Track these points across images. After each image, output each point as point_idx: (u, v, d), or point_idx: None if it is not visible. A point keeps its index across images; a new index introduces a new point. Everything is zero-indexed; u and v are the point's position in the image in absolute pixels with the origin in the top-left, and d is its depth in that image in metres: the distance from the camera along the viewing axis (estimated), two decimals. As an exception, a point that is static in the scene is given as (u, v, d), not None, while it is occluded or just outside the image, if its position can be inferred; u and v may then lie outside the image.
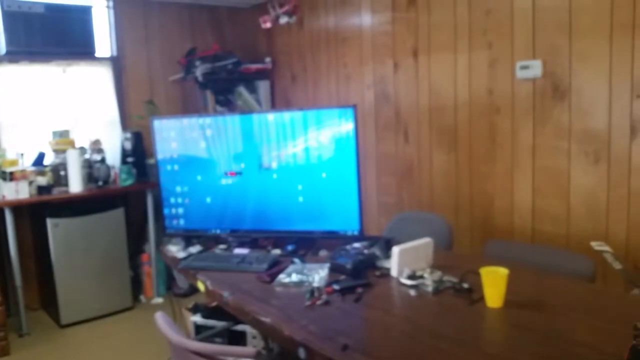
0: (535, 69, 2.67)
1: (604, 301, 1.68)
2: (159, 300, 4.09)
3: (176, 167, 2.52)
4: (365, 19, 3.72)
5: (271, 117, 2.36)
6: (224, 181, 2.46)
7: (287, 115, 2.35)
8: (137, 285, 4.14)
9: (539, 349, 1.35)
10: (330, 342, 1.43)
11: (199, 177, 2.49)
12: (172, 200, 2.55)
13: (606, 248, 1.29)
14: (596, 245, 1.33)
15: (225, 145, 2.44)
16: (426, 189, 3.44)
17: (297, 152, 2.34)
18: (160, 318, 1.51)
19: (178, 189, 2.53)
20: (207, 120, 2.44)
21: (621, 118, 2.43)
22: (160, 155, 2.54)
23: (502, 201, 2.98)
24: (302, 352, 1.45)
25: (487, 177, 3.05)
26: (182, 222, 2.55)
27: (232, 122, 2.42)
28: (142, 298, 4.14)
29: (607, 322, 1.49)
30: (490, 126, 2.99)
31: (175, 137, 2.50)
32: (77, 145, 3.91)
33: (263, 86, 4.68)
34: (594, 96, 2.51)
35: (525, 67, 2.71)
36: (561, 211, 2.71)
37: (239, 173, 2.42)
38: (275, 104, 4.73)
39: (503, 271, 1.64)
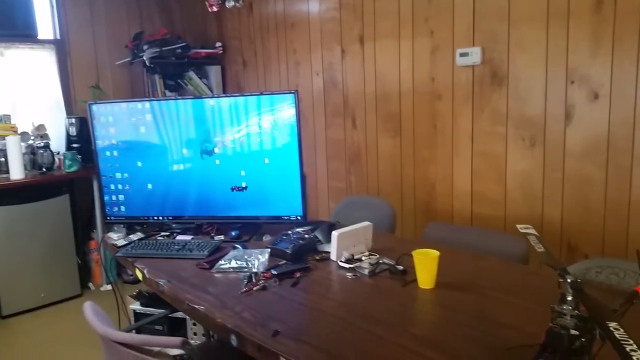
0: (474, 55, 2.73)
1: (534, 282, 1.74)
2: (108, 287, 4.02)
3: (115, 153, 2.46)
4: (313, 5, 3.71)
5: (212, 102, 2.33)
6: (175, 167, 2.41)
7: (228, 101, 2.32)
8: (86, 273, 4.06)
9: (465, 330, 1.39)
10: (262, 328, 1.44)
11: (139, 163, 2.43)
12: (112, 187, 2.49)
13: (531, 231, 1.34)
14: (522, 228, 1.37)
15: (165, 131, 2.39)
16: (373, 174, 3.48)
17: (240, 137, 2.32)
18: (88, 308, 1.48)
19: (118, 175, 2.47)
20: (147, 105, 2.39)
21: (556, 104, 2.51)
22: (98, 141, 2.48)
23: (443, 185, 3.05)
24: (233, 339, 1.45)
25: (429, 162, 3.11)
26: (123, 209, 2.50)
27: (172, 107, 2.37)
28: (91, 285, 4.07)
29: (535, 304, 1.54)
30: (432, 112, 3.04)
31: (113, 122, 2.44)
32: (20, 130, 3.78)
33: (214, 71, 4.61)
34: (531, 82, 2.58)
35: (464, 54, 2.76)
36: (498, 195, 2.79)
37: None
38: (226, 90, 4.68)
39: (434, 253, 1.68)
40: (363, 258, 1.94)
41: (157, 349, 1.38)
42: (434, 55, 2.97)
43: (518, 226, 1.41)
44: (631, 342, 0.78)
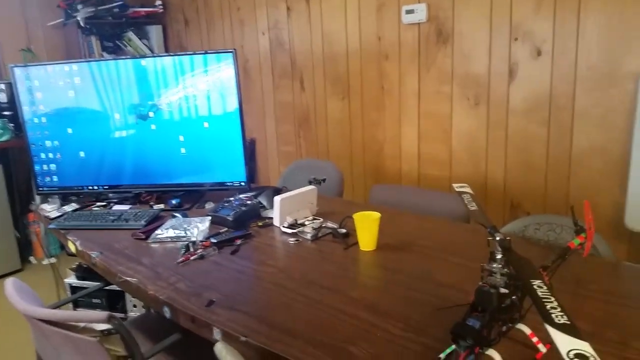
0: (420, 13, 2.67)
1: (474, 240, 1.74)
2: (52, 260, 3.87)
3: (44, 119, 2.30)
4: (256, -41, 3.54)
5: (144, 62, 2.20)
6: (108, 133, 2.28)
7: (160, 61, 2.19)
8: (27, 246, 3.89)
9: (403, 291, 1.38)
10: (196, 298, 1.39)
11: (69, 130, 2.29)
12: (43, 156, 2.35)
13: (466, 189, 1.32)
14: (457, 186, 1.35)
15: (95, 95, 2.25)
16: (322, 137, 3.43)
17: (176, 101, 2.21)
18: (9, 285, 1.39)
19: (48, 143, 2.33)
20: (74, 67, 2.23)
21: (500, 61, 2.50)
22: (25, 107, 2.31)
23: (391, 147, 3.03)
24: (167, 311, 1.40)
25: (377, 123, 3.08)
26: (55, 179, 2.36)
27: (102, 68, 2.23)
28: (33, 259, 3.91)
29: (474, 261, 1.54)
30: (380, 73, 2.98)
31: (40, 86, 2.28)
32: (-58, 98, 3.52)
33: (155, 31, 4.38)
34: (475, 40, 2.55)
35: (410, 12, 2.70)
36: (444, 155, 2.79)
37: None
38: (168, 50, 4.47)
39: (374, 215, 1.65)
40: (306, 223, 1.90)
41: (82, 324, 1.31)
42: (380, 12, 2.89)
43: (454, 185, 1.39)
44: (552, 299, 0.77)
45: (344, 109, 3.23)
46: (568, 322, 0.70)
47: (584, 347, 0.65)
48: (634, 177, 2.08)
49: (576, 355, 0.63)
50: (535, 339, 1.05)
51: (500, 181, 2.61)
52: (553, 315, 0.72)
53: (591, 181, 2.31)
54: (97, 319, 1.23)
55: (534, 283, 0.82)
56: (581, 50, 2.23)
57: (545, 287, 0.81)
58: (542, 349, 1.05)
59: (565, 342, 0.66)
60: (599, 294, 1.31)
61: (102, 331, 1.31)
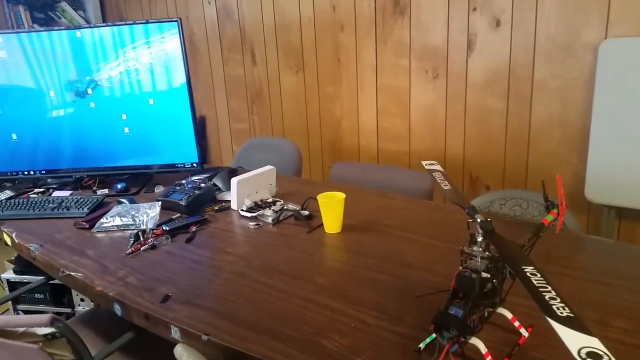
0: (376, -19, 2.56)
1: (439, 218, 1.69)
2: (-13, 253, 3.60)
3: (-34, 99, 2.07)
4: None
5: (79, 34, 1.99)
6: (43, 112, 2.07)
7: (97, 32, 1.99)
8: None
9: (372, 275, 1.31)
10: (150, 293, 1.27)
11: (-3, 111, 2.07)
12: (-32, 140, 2.12)
13: (437, 167, 1.24)
14: (427, 164, 1.28)
15: (26, 70, 2.03)
16: (277, 113, 3.30)
17: (116, 76, 2.03)
18: None
19: (-27, 126, 2.10)
20: (-1, 39, 2.01)
21: (458, 33, 2.43)
22: (-57, 86, 2.07)
23: (349, 122, 2.95)
24: (117, 309, 1.27)
25: (334, 98, 2.97)
26: (-16, 165, 2.15)
27: (34, 40, 2.01)
28: (-34, 253, 3.62)
29: (440, 240, 1.49)
30: (335, 45, 2.87)
31: (-41, 62, 2.04)
32: None
33: (92, 1, 4.07)
34: (433, 11, 2.47)
35: (366, -21, 2.59)
36: (403, 129, 2.73)
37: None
38: (106, 22, 4.17)
39: (339, 196, 1.57)
40: (266, 205, 1.80)
41: (21, 329, 1.16)
42: (334, -19, 2.76)
43: (423, 163, 1.32)
44: (549, 288, 0.70)
45: (299, 83, 3.11)
46: (572, 315, 0.64)
47: (594, 343, 0.59)
48: (593, 148, 2.08)
49: (589, 354, 0.57)
50: (517, 323, 1.00)
51: (459, 155, 2.58)
52: (554, 307, 0.65)
53: (551, 153, 2.30)
54: (38, 323, 1.09)
55: (526, 270, 0.76)
56: (540, 21, 2.19)
57: (539, 275, 0.74)
58: (525, 333, 1.00)
59: (573, 339, 0.60)
60: (572, 270, 1.29)
61: (44, 335, 1.17)
